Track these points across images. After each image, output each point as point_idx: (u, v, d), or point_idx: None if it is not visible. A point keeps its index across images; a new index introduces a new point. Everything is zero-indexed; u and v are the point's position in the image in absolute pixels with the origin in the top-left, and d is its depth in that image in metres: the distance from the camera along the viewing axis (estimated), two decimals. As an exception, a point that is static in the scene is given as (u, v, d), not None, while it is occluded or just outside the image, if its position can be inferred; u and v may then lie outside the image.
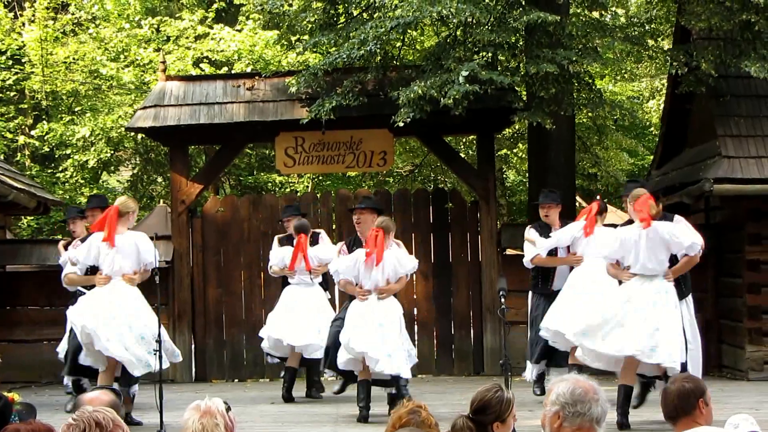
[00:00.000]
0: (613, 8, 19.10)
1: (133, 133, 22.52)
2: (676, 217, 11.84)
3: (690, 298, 12.04)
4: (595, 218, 13.01)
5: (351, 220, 16.56)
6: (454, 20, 15.58)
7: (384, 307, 12.31)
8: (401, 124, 15.01)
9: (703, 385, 5.98)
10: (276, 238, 14.77)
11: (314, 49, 19.23)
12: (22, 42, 25.57)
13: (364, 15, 17.02)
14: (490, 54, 15.76)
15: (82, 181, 24.52)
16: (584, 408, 5.25)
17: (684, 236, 11.41)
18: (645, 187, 12.18)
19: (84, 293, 12.82)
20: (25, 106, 26.23)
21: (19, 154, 26.37)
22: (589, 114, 19.69)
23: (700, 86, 16.01)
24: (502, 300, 10.36)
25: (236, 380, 17.00)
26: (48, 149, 25.34)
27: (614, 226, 12.74)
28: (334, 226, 17.57)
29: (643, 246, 11.43)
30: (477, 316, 16.92)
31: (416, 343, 15.71)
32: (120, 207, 12.47)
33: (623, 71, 24.29)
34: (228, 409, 5.42)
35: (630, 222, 11.88)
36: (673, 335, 11.29)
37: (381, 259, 12.19)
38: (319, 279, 14.42)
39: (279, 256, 14.30)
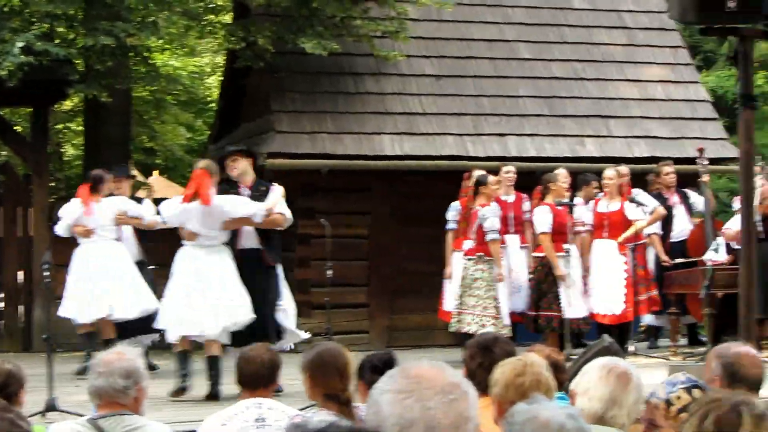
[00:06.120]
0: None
1: None
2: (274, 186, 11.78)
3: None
4: None
5: None
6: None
7: None
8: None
9: None
10: None
11: None
12: None
13: None
14: (47, 25, 15.37)
15: None
16: None
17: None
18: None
19: None
20: None
21: None
22: (147, 88, 19.57)
23: (257, 62, 16.21)
24: (46, 273, 10.20)
25: None
26: None
27: None
28: None
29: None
30: (28, 292, 16.41)
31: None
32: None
33: (184, 46, 24.28)
34: None
35: None
36: None
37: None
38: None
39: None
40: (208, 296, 11.07)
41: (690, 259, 13.99)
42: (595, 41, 18.18)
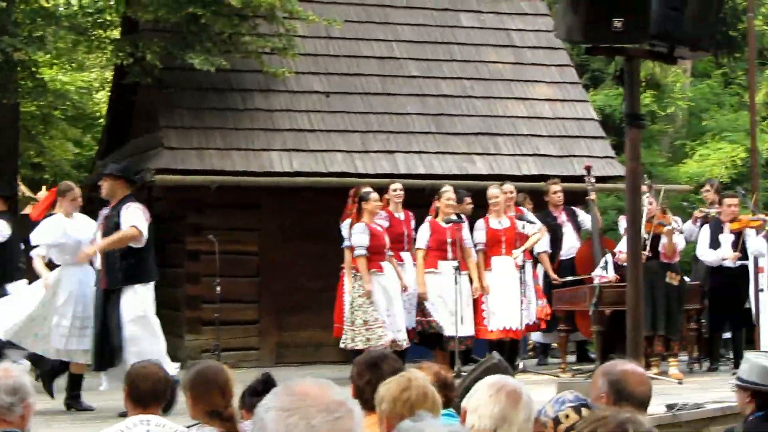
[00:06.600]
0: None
1: None
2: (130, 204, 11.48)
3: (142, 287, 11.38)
4: None
5: None
6: None
7: None
8: None
9: None
10: None
11: None
12: None
13: None
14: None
15: None
16: None
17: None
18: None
19: None
20: None
21: None
22: (35, 103, 19.33)
23: (145, 77, 16.08)
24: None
25: None
26: None
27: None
28: None
29: None
30: None
31: None
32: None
33: (73, 61, 23.97)
34: None
35: None
36: None
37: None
38: None
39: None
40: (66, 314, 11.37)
41: (579, 277, 14.11)
42: (483, 59, 18.32)
